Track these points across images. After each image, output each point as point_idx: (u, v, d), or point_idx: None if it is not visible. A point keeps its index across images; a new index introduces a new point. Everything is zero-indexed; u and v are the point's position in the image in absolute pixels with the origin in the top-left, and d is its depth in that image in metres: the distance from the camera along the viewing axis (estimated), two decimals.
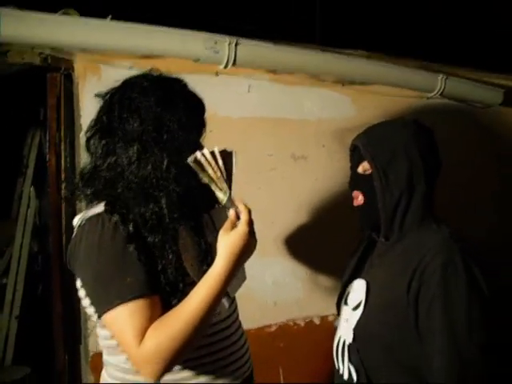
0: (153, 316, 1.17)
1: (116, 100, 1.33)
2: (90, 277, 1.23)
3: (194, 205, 1.32)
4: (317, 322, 2.69)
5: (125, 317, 1.16)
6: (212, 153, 1.23)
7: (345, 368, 1.46)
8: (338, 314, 1.59)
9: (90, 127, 1.35)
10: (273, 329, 2.62)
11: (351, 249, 1.83)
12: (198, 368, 1.32)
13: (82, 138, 2.15)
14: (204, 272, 1.21)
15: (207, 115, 2.37)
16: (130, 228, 1.22)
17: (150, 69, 1.44)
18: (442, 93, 2.81)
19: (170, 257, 1.24)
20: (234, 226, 1.23)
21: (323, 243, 2.61)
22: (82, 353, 2.34)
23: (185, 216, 1.28)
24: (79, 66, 2.16)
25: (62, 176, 2.28)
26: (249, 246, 1.24)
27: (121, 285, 1.18)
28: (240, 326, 1.50)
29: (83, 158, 2.13)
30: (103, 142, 1.30)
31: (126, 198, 1.25)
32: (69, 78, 2.24)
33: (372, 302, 1.41)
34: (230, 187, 1.25)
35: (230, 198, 1.25)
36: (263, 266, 2.55)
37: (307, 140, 2.65)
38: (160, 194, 1.25)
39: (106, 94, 1.38)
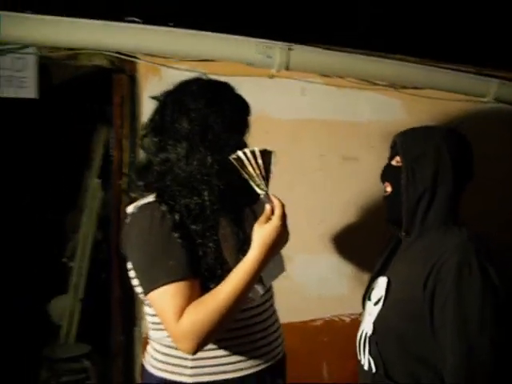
0: (192, 297, 1.30)
1: (169, 102, 1.46)
2: (139, 259, 1.37)
3: (235, 199, 1.43)
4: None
5: (167, 296, 1.30)
6: (253, 152, 1.33)
7: (365, 359, 1.55)
8: (363, 309, 1.68)
9: (145, 126, 1.50)
10: (318, 323, 2.71)
11: None
12: (232, 348, 1.43)
13: None
14: (240, 260, 1.33)
15: (263, 116, 2.51)
16: (176, 217, 1.35)
17: (202, 74, 1.56)
18: (496, 98, 2.80)
19: (210, 245, 1.36)
20: (268, 219, 1.33)
21: (368, 243, 2.67)
22: (136, 335, 2.52)
23: (225, 208, 1.40)
24: (142, 68, 2.33)
25: (125, 169, 2.46)
26: (281, 238, 1.33)
27: (165, 267, 1.31)
28: (274, 313, 1.60)
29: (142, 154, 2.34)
30: (156, 139, 1.44)
31: (173, 191, 1.38)
32: (132, 79, 2.42)
33: (391, 297, 1.49)
34: (267, 184, 1.35)
35: (266, 194, 1.35)
36: (310, 263, 2.65)
37: (358, 142, 2.72)
38: (203, 188, 1.38)
39: (161, 96, 1.51)
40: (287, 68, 2.27)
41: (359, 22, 2.47)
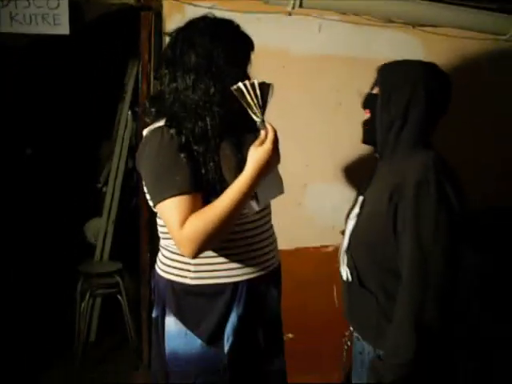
0: (194, 208, 1.50)
1: (179, 38, 1.62)
2: (149, 174, 1.57)
3: (235, 124, 1.60)
4: None
5: (173, 207, 1.49)
6: (252, 84, 1.47)
7: (344, 270, 1.73)
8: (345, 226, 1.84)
9: (159, 59, 1.67)
10: (330, 249, 2.89)
11: None
12: (228, 257, 1.64)
13: None
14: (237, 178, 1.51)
15: (280, 52, 2.62)
16: (183, 139, 1.53)
17: (208, 12, 1.71)
18: None
19: (211, 164, 1.55)
20: (262, 143, 1.50)
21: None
22: None
23: (226, 133, 1.58)
24: (167, 6, 2.47)
25: None
26: (272, 159, 1.50)
27: (172, 181, 1.50)
28: (269, 229, 1.78)
29: None
30: (167, 71, 1.61)
31: (180, 117, 1.56)
32: (158, 16, 2.56)
33: (363, 213, 1.66)
34: (263, 113, 1.50)
35: (262, 122, 1.50)
36: (323, 192, 2.82)
37: (373, 78, 2.81)
38: (206, 114, 1.55)
39: (173, 32, 1.67)
40: (301, 5, 2.37)
41: None
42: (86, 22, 2.57)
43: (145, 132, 1.65)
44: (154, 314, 1.76)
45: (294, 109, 2.72)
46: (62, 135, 4.49)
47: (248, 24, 1.74)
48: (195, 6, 2.46)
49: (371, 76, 2.77)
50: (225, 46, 1.59)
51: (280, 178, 1.75)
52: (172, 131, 1.54)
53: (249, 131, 1.63)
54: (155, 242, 2.74)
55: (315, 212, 2.83)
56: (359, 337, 1.72)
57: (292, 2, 2.33)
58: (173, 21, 2.46)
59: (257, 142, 1.50)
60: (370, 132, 1.70)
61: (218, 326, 1.64)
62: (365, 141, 1.77)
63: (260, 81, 1.50)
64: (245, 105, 1.49)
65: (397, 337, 1.48)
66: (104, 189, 3.47)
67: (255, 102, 1.49)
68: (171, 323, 1.67)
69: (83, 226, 3.48)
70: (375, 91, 1.70)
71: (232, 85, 1.48)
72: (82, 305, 3.01)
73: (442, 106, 1.64)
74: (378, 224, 1.58)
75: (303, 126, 2.76)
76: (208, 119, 1.55)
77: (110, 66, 3.53)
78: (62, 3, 2.31)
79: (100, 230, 3.38)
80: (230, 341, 1.64)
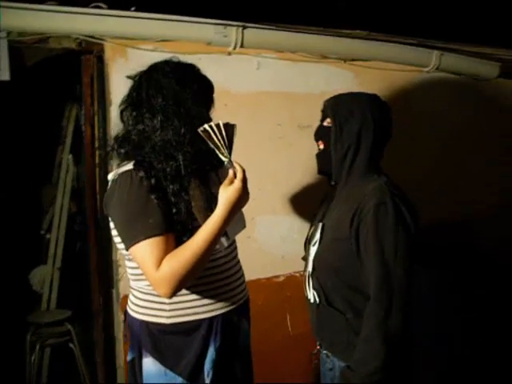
0: (168, 249, 1.53)
1: (144, 80, 1.68)
2: (121, 217, 1.59)
3: (203, 164, 1.66)
4: None
5: (147, 249, 1.52)
6: (217, 125, 1.54)
7: (310, 293, 1.82)
8: (306, 252, 1.93)
9: (123, 101, 1.71)
10: (281, 279, 2.96)
11: None
12: (202, 293, 1.68)
13: (112, 111, 2.49)
14: (208, 217, 1.56)
15: (222, 91, 2.70)
16: (152, 181, 1.56)
17: (171, 56, 1.77)
18: (438, 67, 3.04)
19: (183, 203, 1.59)
20: (231, 182, 1.55)
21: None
22: (114, 296, 2.73)
23: (195, 172, 1.63)
24: (109, 49, 2.49)
25: (96, 144, 2.64)
26: (243, 197, 1.56)
27: (144, 224, 1.53)
28: (237, 263, 1.84)
29: (114, 128, 2.50)
30: (134, 113, 1.66)
31: (150, 158, 1.60)
32: (100, 60, 2.58)
33: (325, 238, 1.76)
34: (230, 152, 1.56)
35: (230, 161, 1.56)
36: (271, 224, 2.89)
37: (312, 111, 2.93)
38: (178, 154, 1.60)
39: (136, 75, 1.72)
40: (242, 46, 2.47)
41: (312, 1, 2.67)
42: (27, 67, 2.56)
43: (111, 176, 1.68)
44: (128, 358, 1.75)
45: (237, 144, 2.79)
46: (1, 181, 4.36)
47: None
48: (137, 49, 2.50)
49: (310, 109, 2.93)
50: (191, 88, 1.65)
51: (242, 213, 1.81)
52: (141, 174, 1.57)
53: (213, 169, 1.69)
54: (106, 283, 2.75)
55: (264, 244, 2.90)
56: (328, 354, 1.80)
57: (234, 43, 2.41)
58: (116, 64, 2.50)
59: (226, 181, 1.56)
60: (325, 162, 1.81)
61: (198, 362, 1.66)
62: (320, 171, 1.87)
63: (224, 122, 1.56)
64: (212, 145, 1.55)
65: (366, 346, 1.58)
66: (47, 235, 3.40)
67: (222, 142, 1.55)
68: (149, 364, 1.67)
69: (28, 275, 3.37)
70: (326, 123, 1.81)
71: (199, 125, 1.55)
72: (33, 356, 2.90)
73: (387, 132, 1.79)
74: (341, 247, 1.69)
75: (247, 160, 2.81)
76: (180, 158, 1.60)
77: (47, 109, 3.49)
78: (2, 49, 2.29)
79: (46, 277, 3.29)
80: (210, 375, 1.66)
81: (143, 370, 1.68)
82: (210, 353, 1.67)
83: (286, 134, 2.90)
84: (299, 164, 2.91)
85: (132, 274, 1.74)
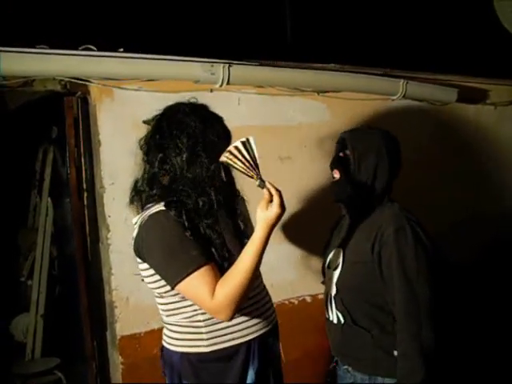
0: (215, 276, 1.59)
1: (165, 122, 1.73)
2: (161, 257, 1.63)
3: (229, 196, 1.73)
4: (308, 300, 3.09)
5: (196, 281, 1.58)
6: (236, 147, 1.56)
7: (333, 315, 1.95)
8: (324, 276, 2.09)
9: (143, 145, 1.77)
10: None
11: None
12: (241, 316, 1.74)
13: (102, 151, 2.51)
14: (237, 245, 1.65)
15: None
16: (185, 220, 1.62)
17: (188, 99, 1.87)
18: (404, 95, 3.21)
19: (217, 235, 1.66)
20: (268, 203, 1.60)
21: (310, 231, 3.00)
22: (108, 338, 2.69)
23: (223, 204, 1.69)
24: (95, 90, 2.50)
25: (84, 185, 2.62)
26: (279, 220, 1.61)
27: (188, 258, 1.59)
28: (264, 286, 1.94)
29: (105, 168, 2.52)
30: (159, 155, 1.70)
31: (181, 196, 1.66)
32: (84, 101, 2.59)
33: (347, 263, 1.90)
34: (258, 171, 1.60)
35: (262, 181, 1.61)
36: None
37: (291, 143, 3.04)
38: (210, 188, 1.66)
39: (152, 119, 1.78)
40: (229, 83, 2.54)
41: (287, 39, 2.79)
42: (9, 110, 2.54)
43: (136, 219, 1.73)
44: None
45: None
46: None
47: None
48: (123, 89, 2.52)
49: (289, 141, 3.04)
50: (212, 124, 1.73)
51: None
52: (173, 213, 1.62)
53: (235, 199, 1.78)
54: (100, 325, 2.69)
55: None
56: (349, 369, 1.93)
57: (221, 80, 2.47)
58: (103, 104, 2.51)
59: (263, 203, 1.60)
60: (341, 191, 1.94)
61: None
62: (337, 199, 1.97)
63: (241, 140, 1.59)
64: (239, 170, 1.58)
65: (406, 362, 1.70)
66: (29, 281, 3.30)
67: (247, 164, 1.58)
68: None
69: (9, 325, 3.26)
70: (342, 154, 1.95)
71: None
72: None
73: (399, 162, 1.95)
74: (363, 270, 1.84)
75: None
76: (212, 193, 1.66)
77: (19, 152, 3.43)
78: None
79: (29, 326, 3.19)
80: None
81: None
82: (250, 376, 1.73)
83: (267, 165, 2.94)
84: (282, 194, 2.97)
85: (166, 310, 1.77)
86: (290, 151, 3.03)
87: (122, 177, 2.47)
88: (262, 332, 1.79)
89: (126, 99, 2.55)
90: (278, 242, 2.96)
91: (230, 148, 1.57)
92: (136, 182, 1.78)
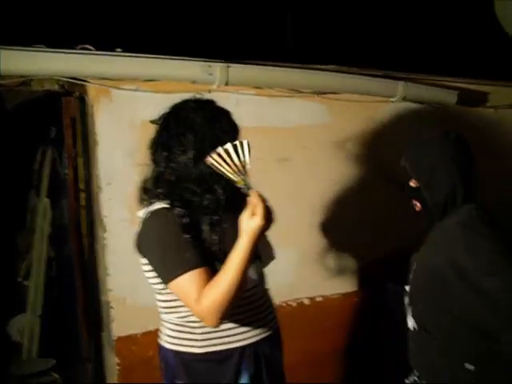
0: (206, 281, 1.56)
1: (172, 120, 1.72)
2: (158, 254, 1.63)
3: (234, 194, 1.65)
4: (306, 302, 3.08)
5: (186, 284, 1.56)
6: (225, 150, 1.52)
7: (410, 322, 1.87)
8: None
9: (152, 144, 1.74)
10: None
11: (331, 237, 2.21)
12: (236, 321, 1.72)
13: (99, 151, 2.50)
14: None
15: None
16: (187, 218, 1.60)
17: (193, 95, 1.85)
18: (403, 97, 3.20)
19: (217, 236, 1.64)
20: (252, 214, 1.53)
21: (309, 233, 3.01)
22: (104, 339, 2.67)
23: (231, 202, 1.66)
24: (92, 90, 2.49)
25: (81, 186, 2.61)
26: (264, 230, 1.58)
27: (183, 258, 1.57)
28: (266, 293, 1.90)
29: (102, 168, 2.51)
30: (164, 153, 1.69)
31: (186, 194, 1.64)
32: (82, 101, 2.58)
33: (418, 271, 1.85)
34: (245, 176, 1.53)
35: (246, 187, 1.54)
36: None
37: (289, 144, 3.02)
38: (216, 186, 1.64)
39: (160, 118, 1.77)
40: (227, 83, 2.53)
41: (287, 40, 2.78)
42: (7, 109, 2.53)
43: (142, 214, 1.72)
44: None
45: None
46: None
47: (172, 103, 1.83)
48: (120, 89, 2.52)
49: (287, 142, 3.02)
50: (219, 121, 1.72)
51: (270, 245, 1.94)
52: (177, 211, 1.61)
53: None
54: (95, 326, 2.68)
55: None
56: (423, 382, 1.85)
57: (218, 80, 2.46)
58: (100, 105, 2.50)
59: (248, 211, 1.54)
60: (428, 219, 1.86)
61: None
62: (426, 227, 1.90)
63: (233, 143, 1.54)
64: (224, 174, 1.53)
65: None
66: (25, 282, 3.29)
67: (232, 168, 1.52)
68: None
69: (6, 326, 3.24)
70: (412, 184, 1.85)
71: None
72: None
73: (472, 167, 1.83)
74: (435, 276, 1.75)
75: None
76: (219, 190, 1.64)
77: (17, 152, 3.43)
78: None
79: (26, 326, 3.18)
80: None
81: None
82: (244, 380, 1.71)
83: (265, 167, 2.95)
84: (280, 196, 2.95)
85: (163, 307, 1.77)
86: (288, 153, 3.01)
87: (119, 177, 2.48)
88: (258, 338, 1.76)
89: (124, 100, 2.54)
90: (277, 245, 2.93)
91: (219, 150, 1.53)
92: (144, 182, 1.77)
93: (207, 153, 1.59)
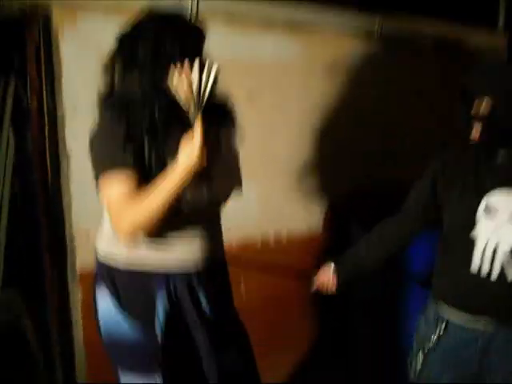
0: (131, 188, 1.58)
1: (126, 36, 1.68)
2: (96, 151, 1.66)
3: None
4: (271, 238, 3.12)
5: (112, 182, 1.58)
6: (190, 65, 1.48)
7: (494, 270, 1.73)
8: (473, 223, 1.78)
9: (107, 59, 1.71)
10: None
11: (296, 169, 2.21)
12: (166, 247, 1.74)
13: (64, 83, 2.45)
14: None
15: None
16: (130, 130, 1.60)
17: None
18: (380, 33, 3.16)
19: (154, 153, 1.63)
20: (190, 146, 1.55)
21: (275, 170, 3.00)
22: (69, 274, 2.68)
23: (174, 122, 1.63)
24: (57, 16, 2.39)
25: (46, 118, 2.54)
26: (196, 165, 1.55)
27: (115, 157, 1.58)
28: (212, 228, 1.87)
29: (67, 100, 2.47)
30: (117, 66, 1.66)
31: (131, 107, 1.62)
32: (46, 30, 2.46)
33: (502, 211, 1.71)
34: (200, 103, 1.50)
35: (193, 116, 1.52)
36: None
37: (261, 81, 2.96)
38: (154, 105, 1.61)
39: (119, 34, 1.72)
40: (197, 16, 2.45)
41: None
42: None
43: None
44: None
45: None
46: None
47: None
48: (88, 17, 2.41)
49: (259, 78, 2.95)
50: (175, 37, 1.63)
51: (232, 173, 1.94)
52: (123, 120, 1.61)
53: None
54: (59, 259, 2.65)
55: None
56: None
57: (189, 13, 2.40)
58: (65, 34, 2.43)
59: (185, 145, 1.57)
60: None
61: (150, 306, 1.75)
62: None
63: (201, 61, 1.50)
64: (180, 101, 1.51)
65: None
66: None
67: (191, 95, 1.48)
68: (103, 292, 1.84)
69: None
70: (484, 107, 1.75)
71: None
72: None
73: None
74: None
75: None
76: (156, 109, 1.61)
77: None
78: None
79: None
80: (162, 326, 1.74)
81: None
82: (160, 312, 1.74)
83: (235, 104, 2.89)
84: (250, 135, 2.92)
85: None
86: (260, 89, 2.96)
87: (84, 107, 2.39)
88: (184, 271, 1.77)
89: (91, 29, 2.44)
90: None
91: (179, 69, 1.49)
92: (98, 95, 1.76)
93: (154, 72, 1.59)
